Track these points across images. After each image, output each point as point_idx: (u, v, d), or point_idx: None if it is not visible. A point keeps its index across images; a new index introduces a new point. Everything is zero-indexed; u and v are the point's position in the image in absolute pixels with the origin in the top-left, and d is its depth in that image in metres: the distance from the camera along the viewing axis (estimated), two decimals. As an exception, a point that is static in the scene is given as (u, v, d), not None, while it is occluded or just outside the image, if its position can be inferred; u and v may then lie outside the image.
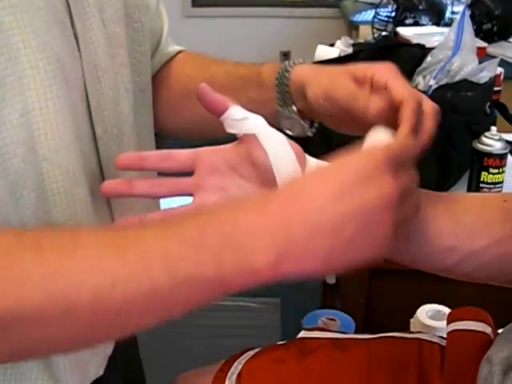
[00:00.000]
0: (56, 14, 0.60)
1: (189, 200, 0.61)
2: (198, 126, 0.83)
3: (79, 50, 0.64)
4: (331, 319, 1.01)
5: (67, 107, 0.61)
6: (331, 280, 1.55)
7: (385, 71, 0.61)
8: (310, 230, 0.45)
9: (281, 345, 0.78)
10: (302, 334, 0.81)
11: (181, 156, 0.61)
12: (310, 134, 0.74)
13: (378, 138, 0.58)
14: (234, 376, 0.73)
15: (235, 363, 0.76)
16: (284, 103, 0.72)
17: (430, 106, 0.62)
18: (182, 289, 0.45)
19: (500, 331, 0.70)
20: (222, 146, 0.61)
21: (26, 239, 0.46)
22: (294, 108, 0.71)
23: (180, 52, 0.88)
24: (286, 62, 0.72)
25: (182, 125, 0.86)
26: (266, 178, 0.59)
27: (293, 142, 0.61)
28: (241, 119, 0.59)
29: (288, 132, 0.73)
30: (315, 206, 0.46)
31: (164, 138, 0.91)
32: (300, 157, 0.60)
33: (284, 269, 0.46)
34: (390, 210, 0.47)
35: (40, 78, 0.58)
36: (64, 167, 0.61)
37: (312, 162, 0.61)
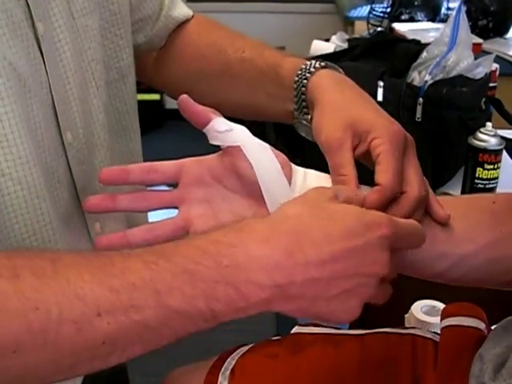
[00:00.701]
0: (9, 18, 0.57)
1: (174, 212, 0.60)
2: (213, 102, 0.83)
3: (41, 52, 0.62)
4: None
5: (25, 120, 0.59)
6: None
7: (384, 143, 0.59)
8: (309, 277, 0.46)
9: (274, 340, 0.78)
10: (296, 329, 0.80)
11: (165, 168, 0.59)
12: None
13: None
14: (228, 372, 0.73)
15: (228, 359, 0.75)
16: (300, 110, 0.70)
17: (412, 195, 0.59)
18: (170, 322, 0.44)
19: (493, 327, 0.70)
20: (206, 157, 0.60)
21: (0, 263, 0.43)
22: (309, 117, 0.69)
23: (191, 17, 0.85)
24: (307, 64, 0.69)
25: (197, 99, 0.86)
26: (251, 189, 0.59)
27: (278, 153, 0.60)
28: (224, 131, 0.57)
29: (305, 136, 0.72)
30: (319, 254, 0.47)
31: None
32: (286, 167, 0.60)
33: (274, 307, 0.47)
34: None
35: None
36: (24, 182, 0.59)
37: (299, 171, 0.61)
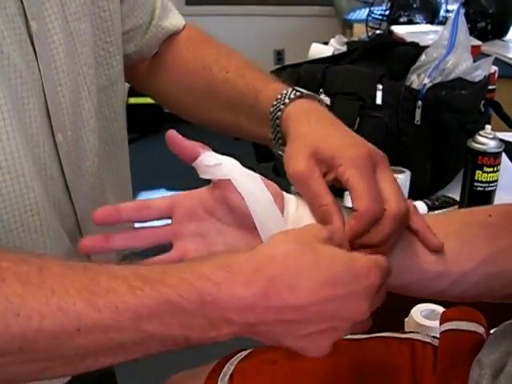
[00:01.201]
0: (2, 10, 0.57)
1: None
2: (199, 118, 0.84)
3: (35, 51, 0.61)
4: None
5: (17, 109, 0.59)
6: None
7: (350, 168, 0.58)
8: (282, 318, 0.48)
9: (273, 345, 0.78)
10: (295, 334, 0.80)
11: (156, 205, 0.59)
12: None
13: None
14: (227, 377, 0.73)
15: (227, 364, 0.75)
16: (276, 140, 0.70)
17: (391, 212, 0.58)
18: (145, 343, 0.47)
19: (492, 331, 0.70)
20: (197, 190, 0.60)
21: None
22: (284, 148, 0.67)
23: (183, 28, 0.85)
24: (283, 94, 0.68)
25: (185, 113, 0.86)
26: (244, 221, 0.58)
27: (269, 182, 0.60)
28: (214, 165, 0.57)
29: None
30: (298, 300, 0.48)
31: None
32: (278, 197, 0.59)
33: (242, 335, 0.49)
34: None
35: None
36: (13, 171, 0.60)
37: (291, 200, 0.60)
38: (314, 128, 0.63)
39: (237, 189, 0.57)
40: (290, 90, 0.69)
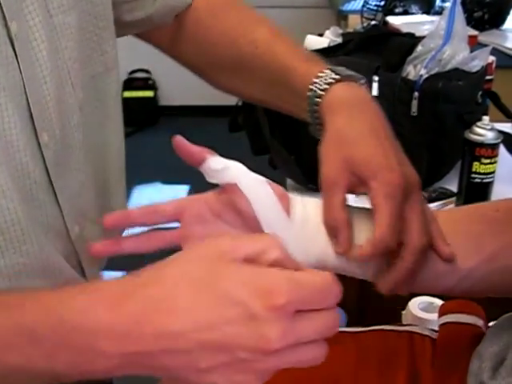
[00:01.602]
0: None
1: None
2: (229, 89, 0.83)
3: (15, 53, 0.60)
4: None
5: None
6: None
7: (380, 194, 0.58)
8: (165, 348, 0.41)
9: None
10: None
11: (165, 209, 0.60)
12: None
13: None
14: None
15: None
16: (315, 125, 0.68)
17: (412, 245, 0.58)
18: (14, 375, 0.44)
19: (491, 324, 0.69)
20: (205, 194, 0.61)
21: None
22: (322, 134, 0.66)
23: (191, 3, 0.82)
24: (320, 78, 0.66)
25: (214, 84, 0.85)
26: (251, 224, 0.59)
27: (276, 185, 0.61)
28: (221, 169, 0.59)
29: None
30: (172, 327, 0.41)
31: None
32: (284, 199, 0.60)
33: (133, 372, 0.43)
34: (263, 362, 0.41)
35: None
36: None
37: (297, 201, 0.61)
38: (356, 131, 0.62)
39: (243, 193, 0.58)
40: (328, 72, 0.67)
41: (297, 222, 0.60)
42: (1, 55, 0.59)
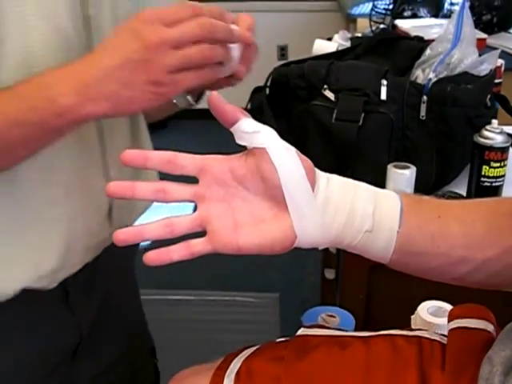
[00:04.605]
0: None
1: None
2: None
3: (91, 30, 0.74)
4: (331, 316, 1.00)
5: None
6: (330, 275, 1.54)
7: None
8: (98, 77, 0.63)
9: (280, 342, 0.77)
10: (301, 331, 0.79)
11: (186, 162, 0.59)
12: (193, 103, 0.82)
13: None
14: (233, 375, 0.72)
15: (234, 361, 0.74)
16: None
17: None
18: (16, 130, 0.64)
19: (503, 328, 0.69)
20: (229, 156, 0.60)
21: None
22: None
23: None
24: None
25: None
26: (273, 192, 0.58)
27: (304, 158, 0.59)
28: (252, 132, 0.57)
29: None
30: (103, 64, 0.63)
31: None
32: (310, 173, 0.59)
33: (87, 109, 0.63)
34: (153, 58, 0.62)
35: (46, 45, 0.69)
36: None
37: (323, 177, 0.60)
38: None
39: (271, 159, 0.57)
40: None
41: (319, 197, 0.59)
42: (77, 27, 0.74)
